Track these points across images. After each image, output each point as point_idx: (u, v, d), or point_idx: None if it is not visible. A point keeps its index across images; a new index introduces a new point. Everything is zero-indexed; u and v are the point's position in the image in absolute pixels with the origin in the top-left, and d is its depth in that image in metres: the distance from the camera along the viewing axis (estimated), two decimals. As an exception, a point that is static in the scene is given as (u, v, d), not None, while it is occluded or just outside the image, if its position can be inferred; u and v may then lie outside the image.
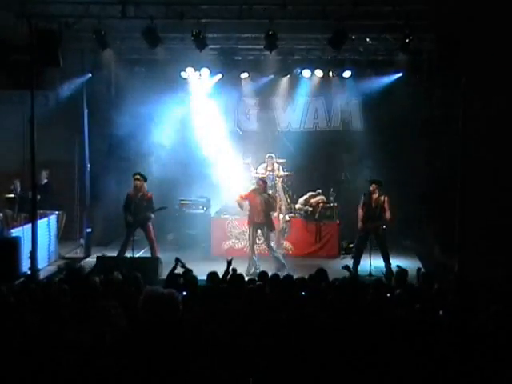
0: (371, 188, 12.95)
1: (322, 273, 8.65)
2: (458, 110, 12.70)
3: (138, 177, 13.13)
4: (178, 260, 9.08)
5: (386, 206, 12.86)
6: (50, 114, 14.55)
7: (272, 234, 13.67)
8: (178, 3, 12.55)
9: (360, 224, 13.06)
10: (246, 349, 5.90)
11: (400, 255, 14.02)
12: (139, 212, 12.99)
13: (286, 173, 15.40)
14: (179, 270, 8.96)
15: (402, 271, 8.95)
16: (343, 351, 5.94)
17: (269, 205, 13.29)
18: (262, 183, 13.48)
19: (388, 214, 12.85)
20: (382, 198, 12.90)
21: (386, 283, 8.72)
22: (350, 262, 12.51)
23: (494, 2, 12.23)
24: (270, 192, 13.90)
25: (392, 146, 16.17)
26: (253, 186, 13.93)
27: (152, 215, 13.13)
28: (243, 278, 8.54)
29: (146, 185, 13.21)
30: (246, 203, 13.56)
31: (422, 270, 10.31)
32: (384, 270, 12.31)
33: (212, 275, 8.65)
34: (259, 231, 13.31)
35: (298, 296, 7.71)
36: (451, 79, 13.39)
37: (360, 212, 13.06)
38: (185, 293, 7.51)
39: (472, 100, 12.49)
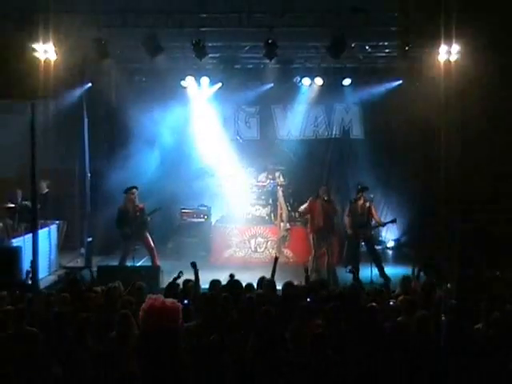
0: (358, 195, 12.95)
1: (322, 282, 8.67)
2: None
3: (135, 191, 13.14)
4: (194, 265, 8.96)
5: (373, 211, 12.90)
6: (51, 123, 14.56)
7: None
8: (178, 12, 12.60)
9: (349, 231, 13.04)
10: (246, 358, 5.90)
11: (398, 262, 14.03)
12: (135, 223, 13.00)
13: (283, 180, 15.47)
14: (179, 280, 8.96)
15: (405, 278, 8.96)
16: (343, 360, 5.94)
17: (328, 210, 12.87)
18: (326, 189, 13.22)
19: (376, 219, 12.91)
20: (368, 203, 12.91)
21: (385, 290, 8.72)
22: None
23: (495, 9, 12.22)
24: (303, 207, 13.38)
25: (392, 153, 16.19)
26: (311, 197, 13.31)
27: (149, 218, 13.13)
28: (241, 285, 8.53)
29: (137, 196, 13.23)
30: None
31: (421, 273, 10.27)
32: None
33: (214, 283, 8.67)
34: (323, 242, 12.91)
35: (297, 304, 7.70)
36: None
37: (347, 219, 13.09)
38: (186, 301, 7.52)
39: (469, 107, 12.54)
